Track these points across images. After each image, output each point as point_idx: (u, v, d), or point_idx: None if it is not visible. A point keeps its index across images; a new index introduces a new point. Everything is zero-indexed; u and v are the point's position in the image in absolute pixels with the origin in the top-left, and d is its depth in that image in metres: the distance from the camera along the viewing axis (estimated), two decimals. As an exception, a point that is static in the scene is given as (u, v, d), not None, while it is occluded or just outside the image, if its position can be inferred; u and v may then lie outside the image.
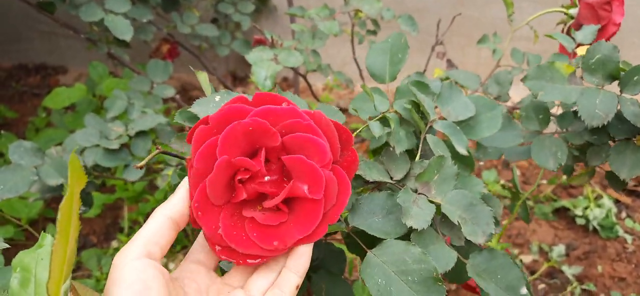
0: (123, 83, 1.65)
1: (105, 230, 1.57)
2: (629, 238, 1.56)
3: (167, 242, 0.42)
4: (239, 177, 0.44)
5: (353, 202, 0.57)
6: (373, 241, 0.53)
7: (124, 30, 1.10)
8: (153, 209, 0.44)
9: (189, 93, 2.38)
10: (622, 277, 1.44)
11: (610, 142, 0.84)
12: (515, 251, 1.52)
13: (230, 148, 0.43)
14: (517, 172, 1.85)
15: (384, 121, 0.67)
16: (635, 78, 0.74)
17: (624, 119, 0.76)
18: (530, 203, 1.69)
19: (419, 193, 0.58)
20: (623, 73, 0.75)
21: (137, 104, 1.17)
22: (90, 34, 1.28)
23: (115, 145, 1.01)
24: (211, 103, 0.57)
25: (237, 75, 2.39)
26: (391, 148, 0.63)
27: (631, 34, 1.89)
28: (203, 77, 0.61)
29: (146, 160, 0.57)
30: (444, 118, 0.70)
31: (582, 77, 0.77)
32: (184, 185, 0.45)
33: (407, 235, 0.55)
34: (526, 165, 1.89)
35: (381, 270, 0.51)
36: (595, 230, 1.59)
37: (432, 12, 1.94)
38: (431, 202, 0.57)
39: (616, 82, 0.76)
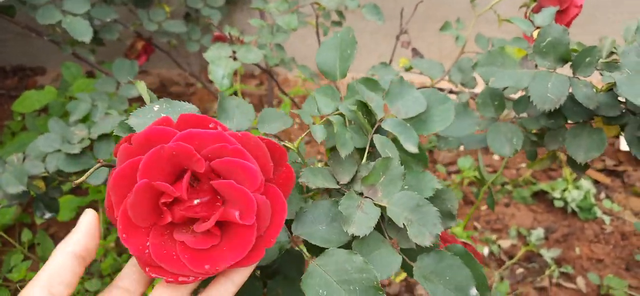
0: (93, 84, 1.63)
1: (84, 231, 1.56)
2: (607, 219, 1.56)
3: (73, 278, 0.41)
4: (162, 201, 0.43)
5: (297, 211, 0.56)
6: (318, 250, 0.52)
7: (82, 31, 1.08)
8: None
9: (168, 89, 2.36)
10: (600, 258, 1.44)
11: (567, 125, 0.83)
12: (494, 236, 1.52)
13: (152, 171, 0.42)
14: (496, 157, 1.85)
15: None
16: (587, 59, 0.73)
17: (578, 102, 0.75)
18: (509, 187, 1.69)
19: (365, 197, 0.57)
20: (575, 54, 0.74)
21: (100, 106, 1.15)
22: (52, 35, 1.26)
23: (76, 150, 0.99)
24: (149, 114, 0.56)
25: (215, 69, 2.36)
26: (337, 151, 0.62)
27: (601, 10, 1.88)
28: (141, 86, 0.60)
29: (86, 176, 0.56)
30: (394, 116, 0.69)
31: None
32: (86, 218, 0.44)
33: (351, 242, 0.54)
34: (506, 149, 1.89)
35: (323, 280, 0.50)
36: (573, 212, 1.59)
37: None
38: (377, 205, 0.56)
39: (569, 64, 0.75)
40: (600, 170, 1.78)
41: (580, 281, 1.38)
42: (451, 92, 1.11)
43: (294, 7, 1.00)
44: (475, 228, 1.55)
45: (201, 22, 1.63)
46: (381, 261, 0.54)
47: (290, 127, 1.75)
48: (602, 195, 1.66)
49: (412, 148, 0.64)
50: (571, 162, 0.82)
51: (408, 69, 1.12)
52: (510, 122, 0.84)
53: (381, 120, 0.66)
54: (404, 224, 0.54)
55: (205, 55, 0.97)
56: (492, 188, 1.06)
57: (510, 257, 1.46)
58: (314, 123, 0.64)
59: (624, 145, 1.81)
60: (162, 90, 2.35)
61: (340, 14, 1.12)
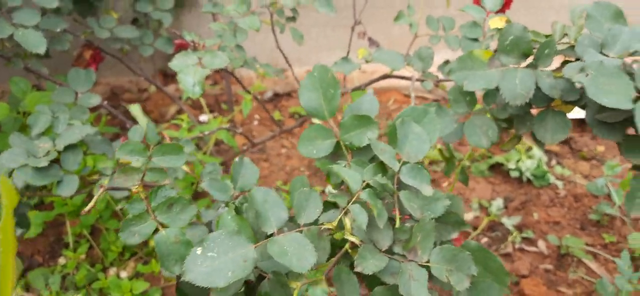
0: (46, 96, 1.58)
1: (50, 247, 1.52)
2: (560, 184, 1.65)
3: None
4: None
5: None
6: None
7: (36, 43, 1.05)
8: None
9: (119, 97, 2.30)
10: (557, 221, 1.53)
11: (532, 110, 0.88)
12: (457, 211, 1.57)
13: None
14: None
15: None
16: (546, 51, 0.78)
17: (543, 91, 0.80)
18: (466, 163, 1.76)
19: (409, 261, 0.66)
20: (536, 47, 0.79)
21: (62, 117, 1.12)
22: (1, 51, 1.22)
23: (44, 163, 0.97)
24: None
25: (167, 73, 2.33)
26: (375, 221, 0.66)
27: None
28: (135, 109, 0.60)
29: (93, 202, 0.56)
30: (405, 162, 0.72)
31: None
32: None
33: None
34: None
35: None
36: (529, 180, 1.67)
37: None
38: (422, 266, 0.65)
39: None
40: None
41: (541, 244, 1.46)
42: (418, 80, 1.14)
43: (251, 9, 1.01)
44: (438, 205, 1.61)
45: (151, 26, 1.60)
46: None
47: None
48: (553, 162, 1.75)
49: (428, 191, 0.70)
50: (536, 141, 0.88)
51: (369, 61, 1.15)
52: (481, 114, 0.89)
53: (399, 172, 0.71)
54: (446, 276, 0.64)
55: (171, 65, 0.96)
56: (464, 165, 1.11)
57: (475, 228, 1.52)
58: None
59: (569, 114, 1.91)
60: (113, 99, 2.30)
61: (294, 10, 1.13)
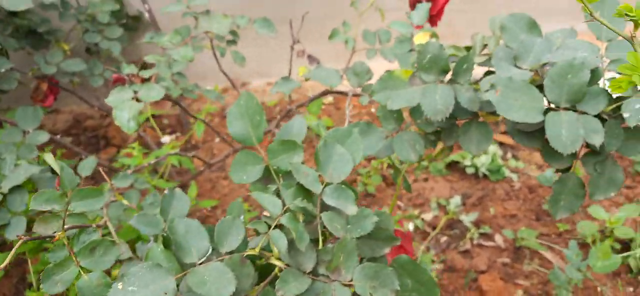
0: (-1, 134, 1.58)
1: (15, 288, 1.52)
2: (514, 176, 1.69)
3: None
4: None
5: None
6: None
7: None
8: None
9: (82, 124, 2.30)
10: (513, 214, 1.57)
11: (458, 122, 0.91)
12: (416, 211, 1.61)
13: None
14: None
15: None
16: (464, 66, 0.81)
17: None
18: (425, 163, 1.79)
19: (332, 281, 0.68)
20: (454, 62, 0.81)
21: (9, 158, 1.13)
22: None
23: (-11, 207, 0.99)
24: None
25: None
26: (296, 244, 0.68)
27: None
28: (49, 158, 0.62)
29: (10, 256, 0.58)
30: (329, 183, 0.74)
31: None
32: None
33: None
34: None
35: None
36: (485, 176, 1.70)
37: (287, 7, 1.97)
38: (345, 285, 0.67)
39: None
40: (504, 133, 1.91)
41: (498, 238, 1.50)
42: (355, 95, 1.17)
43: (187, 38, 1.02)
44: (399, 208, 1.64)
45: (104, 54, 1.61)
46: None
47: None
48: (508, 155, 1.79)
49: (353, 210, 0.73)
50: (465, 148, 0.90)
51: (307, 79, 1.17)
52: (408, 130, 0.92)
53: (322, 193, 0.73)
54: (370, 293, 0.66)
55: (107, 101, 0.98)
56: (406, 175, 1.14)
57: (434, 228, 1.55)
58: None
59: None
60: (76, 127, 2.30)
61: (233, 33, 1.15)
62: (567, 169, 0.83)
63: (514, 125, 0.82)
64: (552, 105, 0.74)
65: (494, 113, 0.85)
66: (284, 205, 0.72)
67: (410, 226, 1.56)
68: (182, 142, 1.78)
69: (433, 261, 1.44)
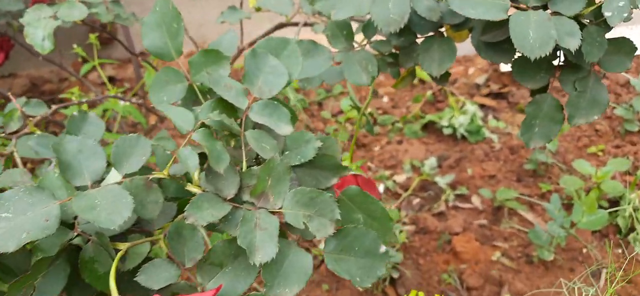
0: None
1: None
2: (495, 137, 1.58)
3: None
4: None
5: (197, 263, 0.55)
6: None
7: None
8: None
9: (40, 88, 2.18)
10: (492, 175, 1.46)
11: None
12: (387, 173, 1.49)
13: None
14: (385, 99, 1.84)
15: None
16: None
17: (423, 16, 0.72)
18: (399, 125, 1.68)
19: (258, 208, 0.56)
20: None
21: None
22: None
23: None
24: None
25: (88, 61, 2.20)
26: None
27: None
28: None
29: None
30: (258, 98, 0.63)
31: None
32: None
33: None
34: (394, 90, 1.88)
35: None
36: (463, 137, 1.59)
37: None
38: (273, 212, 0.56)
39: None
40: (486, 95, 1.80)
41: (475, 199, 1.39)
42: (306, 24, 1.05)
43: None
44: (369, 169, 1.53)
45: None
46: (293, 270, 0.55)
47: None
48: (490, 117, 1.68)
49: (287, 130, 0.62)
50: (433, 77, 0.79)
51: (258, 10, 1.05)
52: (364, 48, 0.80)
53: (248, 109, 0.62)
54: (304, 223, 0.55)
55: (22, 20, 0.86)
56: (366, 114, 1.02)
57: (406, 189, 1.44)
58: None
59: (505, 67, 1.85)
60: (33, 90, 2.17)
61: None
62: (543, 89, 0.72)
63: (479, 36, 0.71)
64: (520, 5, 0.63)
65: (457, 26, 0.74)
66: (197, 120, 0.60)
67: (381, 188, 1.45)
68: (132, 93, 1.65)
69: (404, 223, 1.33)
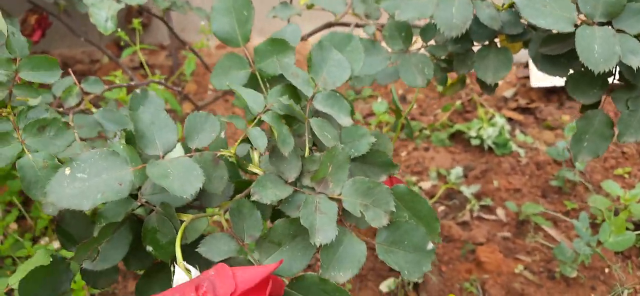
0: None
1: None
2: (521, 151, 1.58)
3: None
4: None
5: (257, 239, 0.58)
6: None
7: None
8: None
9: (71, 67, 2.20)
10: (517, 188, 1.46)
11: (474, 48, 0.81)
12: (414, 179, 1.51)
13: None
14: (415, 105, 1.85)
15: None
16: None
17: (483, 24, 0.73)
18: (427, 132, 1.69)
19: (318, 193, 0.58)
20: None
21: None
22: None
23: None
24: None
25: (120, 44, 2.22)
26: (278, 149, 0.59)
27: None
28: None
29: None
30: (322, 89, 0.65)
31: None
32: None
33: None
34: (423, 97, 1.89)
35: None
36: (490, 148, 1.60)
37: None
38: (332, 199, 0.57)
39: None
40: (514, 109, 1.81)
41: (499, 211, 1.40)
42: (357, 25, 1.07)
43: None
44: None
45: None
46: (348, 256, 0.57)
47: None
48: (517, 131, 1.68)
49: (347, 122, 0.64)
50: (481, 83, 0.80)
51: (310, 7, 1.07)
52: (419, 51, 0.81)
53: (312, 98, 0.64)
54: (360, 212, 0.57)
55: (86, 1, 0.88)
56: (407, 118, 1.04)
57: (431, 197, 1.45)
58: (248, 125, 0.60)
59: (535, 82, 1.85)
60: (64, 69, 2.20)
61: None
62: (595, 105, 0.73)
63: (539, 48, 0.72)
64: (585, 18, 0.64)
65: (514, 37, 0.75)
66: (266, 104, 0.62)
67: (408, 193, 1.46)
68: (170, 79, 1.67)
69: (429, 229, 1.34)
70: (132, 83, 1.06)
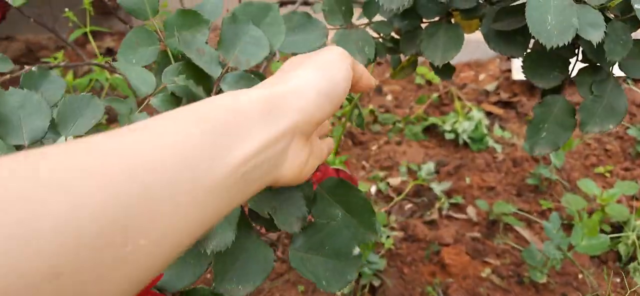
0: None
1: None
2: (498, 147, 1.49)
3: None
4: None
5: None
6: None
7: None
8: None
9: (36, 54, 2.10)
10: (491, 186, 1.37)
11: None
12: (382, 174, 1.41)
13: None
14: (389, 97, 1.75)
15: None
16: None
17: None
18: (400, 125, 1.59)
19: None
20: None
21: None
22: None
23: None
24: None
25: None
26: None
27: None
28: None
29: None
30: (234, 68, 0.55)
31: None
32: None
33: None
34: (399, 88, 1.79)
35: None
36: (465, 143, 1.51)
37: None
38: None
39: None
40: (495, 103, 1.72)
41: (470, 210, 1.30)
42: (305, 3, 0.97)
43: None
44: (363, 168, 1.45)
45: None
46: (251, 265, 0.49)
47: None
48: (495, 126, 1.59)
49: None
50: (435, 69, 0.71)
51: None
52: (362, 28, 0.72)
53: (219, 79, 0.54)
54: (268, 213, 0.49)
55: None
56: (359, 104, 0.94)
57: (399, 193, 1.36)
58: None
59: (517, 75, 1.76)
60: (29, 56, 2.10)
61: None
62: (556, 90, 0.64)
63: (491, 23, 0.63)
64: (539, -13, 0.55)
65: (468, 12, 0.66)
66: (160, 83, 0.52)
67: (373, 189, 1.37)
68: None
69: (392, 228, 1.24)
70: (64, 64, 0.96)
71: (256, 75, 0.56)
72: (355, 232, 0.55)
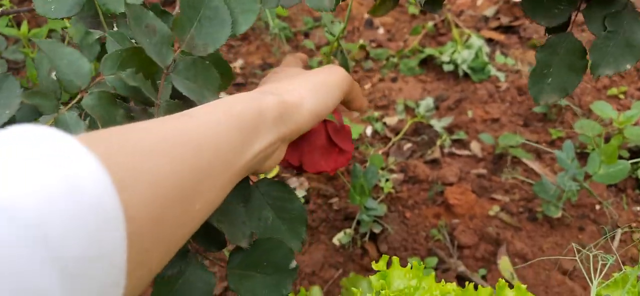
0: None
1: None
2: (501, 75, 1.38)
3: None
4: None
5: None
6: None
7: None
8: None
9: None
10: (495, 118, 1.27)
11: None
12: (377, 114, 1.31)
13: None
14: (381, 30, 1.63)
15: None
16: None
17: None
18: (395, 60, 1.48)
19: None
20: None
21: None
22: None
23: None
24: None
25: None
26: None
27: None
28: None
29: None
30: (186, 53, 0.44)
31: None
32: None
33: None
34: (391, 20, 1.67)
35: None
36: (466, 75, 1.40)
37: None
38: None
39: None
40: (495, 29, 1.60)
41: (474, 145, 1.21)
42: None
43: None
44: (357, 109, 1.34)
45: None
46: (188, 292, 0.45)
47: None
48: (497, 53, 1.48)
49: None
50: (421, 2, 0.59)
51: None
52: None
53: (170, 66, 0.44)
54: (216, 225, 0.45)
55: None
56: (340, 41, 0.83)
57: (397, 133, 1.26)
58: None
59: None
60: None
61: None
62: (562, 28, 0.53)
63: None
64: None
65: None
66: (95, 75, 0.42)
67: (369, 131, 1.27)
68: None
69: (391, 170, 1.15)
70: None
71: (214, 64, 0.46)
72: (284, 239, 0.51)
